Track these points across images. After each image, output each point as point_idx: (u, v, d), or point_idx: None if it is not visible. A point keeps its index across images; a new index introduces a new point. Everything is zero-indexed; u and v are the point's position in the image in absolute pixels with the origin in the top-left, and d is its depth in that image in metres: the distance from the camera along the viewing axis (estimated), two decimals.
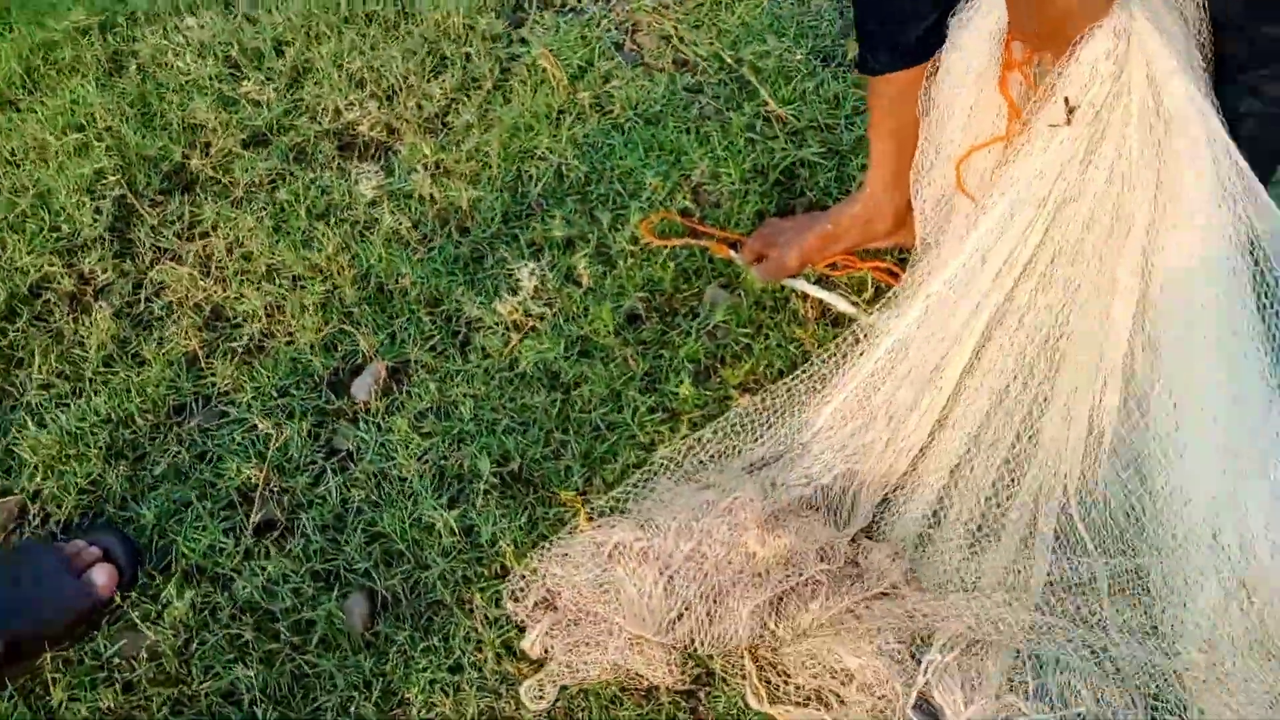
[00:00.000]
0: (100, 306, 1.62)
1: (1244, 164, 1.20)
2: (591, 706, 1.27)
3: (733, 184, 1.70)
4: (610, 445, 1.46)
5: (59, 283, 1.66)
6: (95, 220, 1.71)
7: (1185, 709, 1.23)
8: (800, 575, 1.33)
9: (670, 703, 1.28)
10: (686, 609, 1.33)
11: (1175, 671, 1.25)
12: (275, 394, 1.52)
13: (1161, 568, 1.32)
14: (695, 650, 1.30)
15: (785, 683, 1.31)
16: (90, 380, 1.56)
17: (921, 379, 1.41)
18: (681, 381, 1.50)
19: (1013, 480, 1.40)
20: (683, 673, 1.29)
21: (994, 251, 1.36)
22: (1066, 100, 1.25)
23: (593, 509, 1.40)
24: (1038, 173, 1.30)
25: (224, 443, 1.48)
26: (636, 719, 1.27)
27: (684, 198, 1.70)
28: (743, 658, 1.31)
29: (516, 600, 1.34)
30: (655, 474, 1.44)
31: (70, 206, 1.72)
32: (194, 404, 1.54)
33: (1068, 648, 1.28)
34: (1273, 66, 1.21)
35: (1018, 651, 1.29)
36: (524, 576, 1.35)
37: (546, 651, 1.31)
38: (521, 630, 1.32)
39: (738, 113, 1.80)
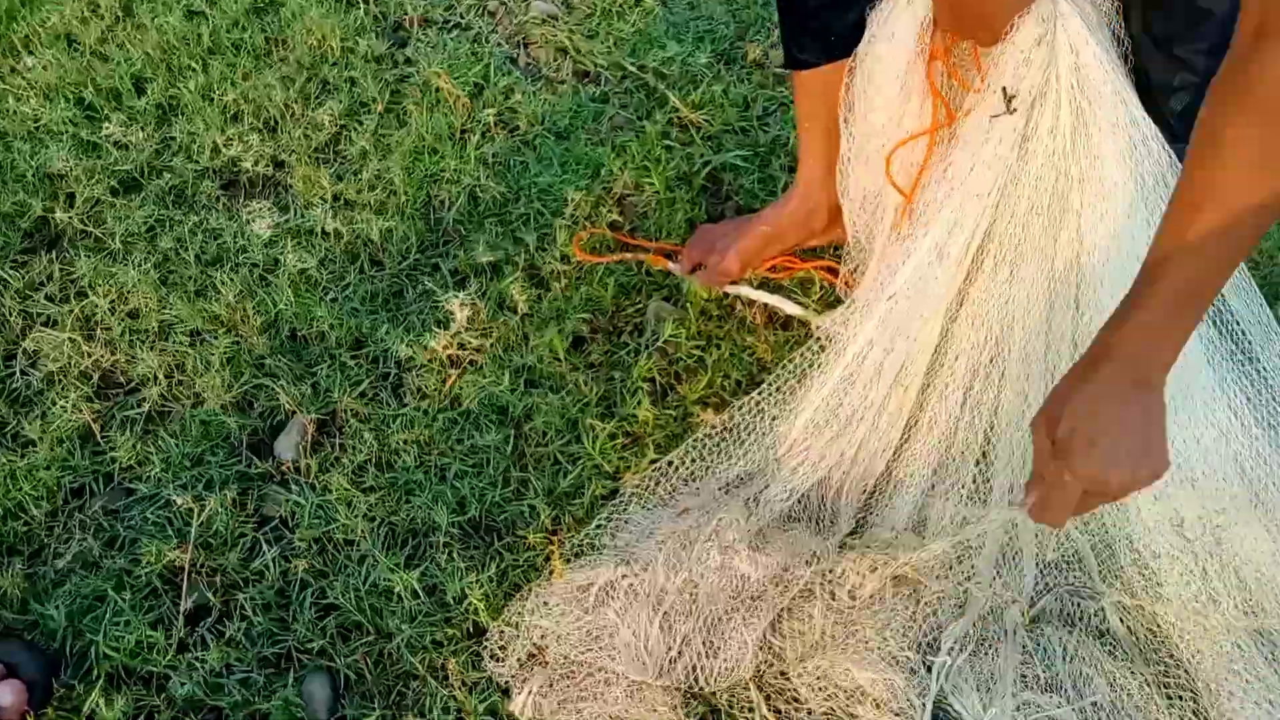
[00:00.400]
0: None
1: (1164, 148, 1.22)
2: None
3: (658, 193, 1.63)
4: (574, 478, 1.36)
5: None
6: None
7: (1194, 682, 1.22)
8: (796, 588, 1.27)
9: None
10: (685, 645, 1.24)
11: (1180, 649, 1.24)
12: (188, 463, 1.35)
13: (1131, 536, 1.32)
14: (698, 689, 1.21)
15: (796, 709, 1.24)
16: None
17: (888, 380, 1.37)
18: (640, 403, 1.41)
19: (986, 480, 1.38)
20: (687, 715, 1.19)
21: (949, 246, 1.34)
22: (1005, 90, 1.24)
23: (566, 550, 1.29)
24: (985, 163, 1.28)
25: (136, 524, 1.30)
26: None
27: (610, 211, 1.61)
28: (748, 689, 1.23)
29: (497, 660, 1.22)
30: (627, 505, 1.34)
31: None
32: (94, 484, 1.35)
33: (1070, 640, 1.25)
34: (1203, 40, 1.23)
35: (1024, 645, 1.26)
36: (503, 633, 1.23)
37: (538, 712, 1.20)
38: (506, 692, 1.20)
39: (650, 121, 1.73)
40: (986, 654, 1.26)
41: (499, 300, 1.51)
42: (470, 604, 1.24)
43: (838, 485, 1.40)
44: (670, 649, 1.23)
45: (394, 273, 1.55)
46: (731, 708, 1.21)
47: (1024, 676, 1.24)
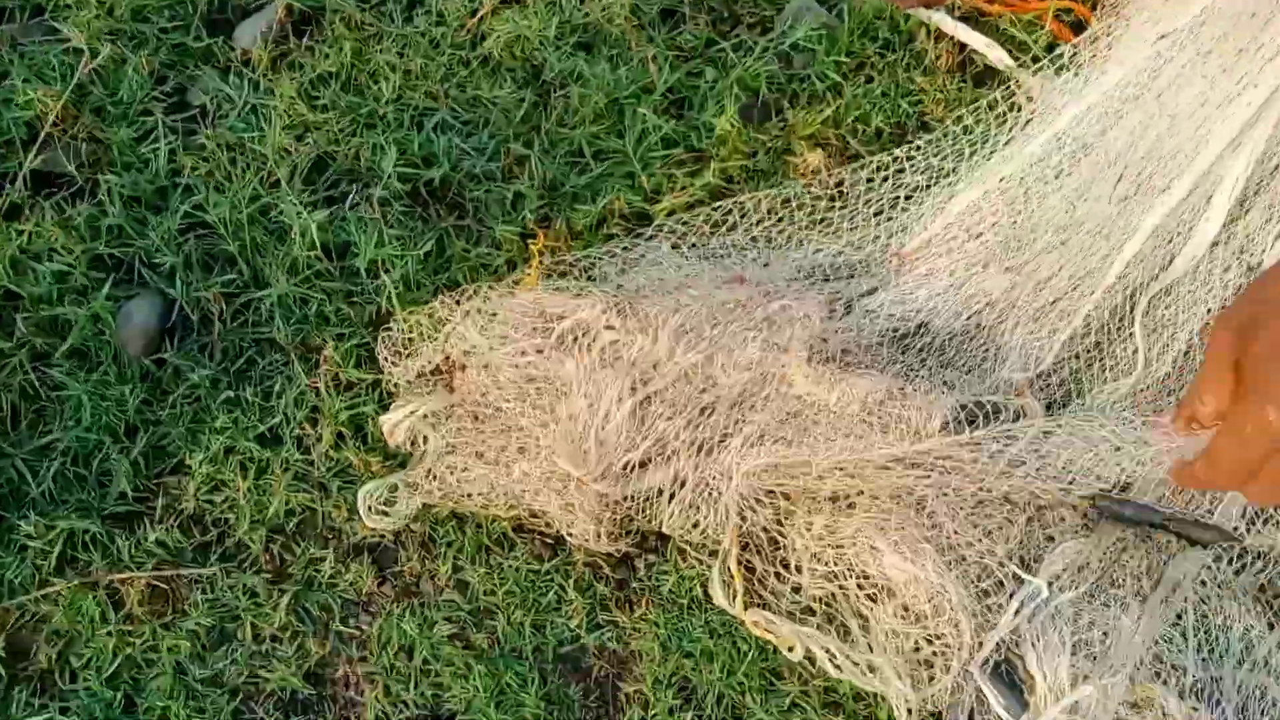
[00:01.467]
0: None
1: None
2: (463, 543, 0.79)
3: None
4: (593, 179, 0.95)
5: None
6: None
7: None
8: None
9: (587, 565, 0.78)
10: (660, 455, 0.82)
11: None
12: (128, 15, 1.03)
13: None
14: (661, 526, 0.79)
15: (780, 578, 0.81)
16: None
17: (1112, 174, 0.88)
18: (724, 110, 0.97)
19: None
20: (613, 536, 0.78)
21: None
22: None
23: (550, 262, 0.89)
24: None
25: (35, 62, 1.00)
26: (529, 578, 0.77)
27: None
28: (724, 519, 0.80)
29: (399, 356, 0.84)
30: (657, 239, 0.92)
31: None
32: (18, 10, 1.05)
33: (1268, 639, 0.75)
34: None
35: (1179, 616, 0.77)
36: (421, 323, 0.85)
37: (414, 445, 0.82)
38: (385, 406, 0.83)
39: None
40: (1110, 603, 0.78)
41: None
42: (383, 283, 0.87)
43: (985, 317, 0.94)
44: (634, 449, 0.82)
45: None
46: (683, 539, 0.79)
47: (1159, 660, 0.75)
